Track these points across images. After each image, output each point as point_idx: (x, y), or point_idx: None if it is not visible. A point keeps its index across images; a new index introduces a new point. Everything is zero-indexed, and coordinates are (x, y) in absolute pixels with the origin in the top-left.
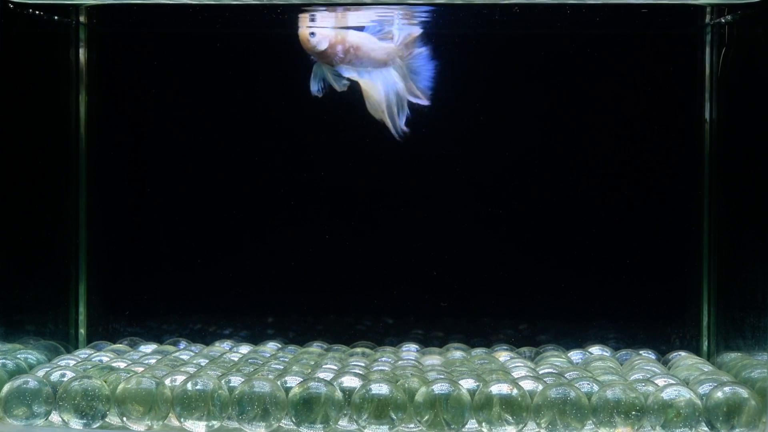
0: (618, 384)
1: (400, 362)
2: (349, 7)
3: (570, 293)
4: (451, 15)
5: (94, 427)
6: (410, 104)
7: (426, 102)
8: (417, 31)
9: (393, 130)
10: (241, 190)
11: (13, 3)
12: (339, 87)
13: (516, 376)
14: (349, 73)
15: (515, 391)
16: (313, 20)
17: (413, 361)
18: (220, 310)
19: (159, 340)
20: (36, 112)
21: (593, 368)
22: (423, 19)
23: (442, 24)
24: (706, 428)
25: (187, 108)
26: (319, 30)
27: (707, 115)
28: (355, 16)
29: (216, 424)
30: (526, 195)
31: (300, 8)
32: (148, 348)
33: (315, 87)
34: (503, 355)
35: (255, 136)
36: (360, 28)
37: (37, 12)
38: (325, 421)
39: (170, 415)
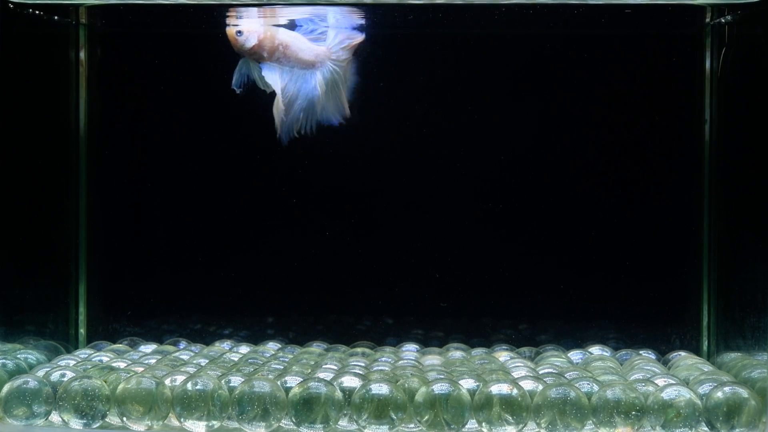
0: (618, 384)
1: (400, 362)
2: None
3: (570, 293)
4: (454, 14)
5: (94, 427)
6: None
7: (339, 120)
8: (358, 36)
9: (280, 134)
10: (241, 190)
11: (13, 3)
12: (262, 86)
13: (516, 376)
14: (272, 74)
15: (515, 391)
16: (240, 17)
17: (413, 361)
18: (220, 310)
19: (159, 340)
20: (36, 112)
21: (593, 368)
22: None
23: (447, 23)
24: (706, 428)
25: (187, 108)
26: (247, 27)
27: (707, 115)
28: (288, 13)
29: (216, 424)
30: (527, 195)
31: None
32: (148, 348)
33: (237, 82)
34: (503, 355)
35: (255, 135)
36: (292, 27)
37: (37, 12)
38: (325, 421)
39: (170, 415)
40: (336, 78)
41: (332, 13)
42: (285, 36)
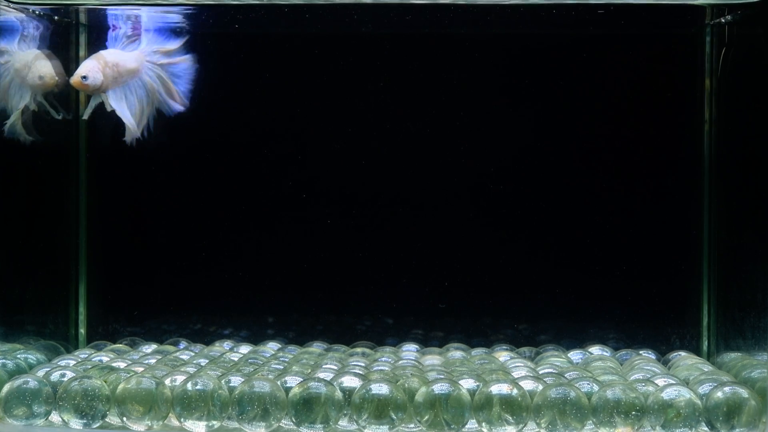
0: (618, 384)
1: (400, 362)
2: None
3: (570, 293)
4: (454, 14)
5: (94, 427)
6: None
7: (182, 108)
8: (171, 43)
9: (130, 134)
10: (241, 190)
11: (13, 3)
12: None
13: (516, 376)
14: (118, 94)
15: (515, 391)
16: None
17: (413, 361)
18: (220, 310)
19: (159, 340)
20: (36, 111)
21: (593, 368)
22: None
23: (447, 23)
24: (706, 428)
25: (187, 108)
26: (85, 69)
27: (707, 115)
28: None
29: (216, 424)
30: (527, 195)
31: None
32: (148, 348)
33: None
34: (503, 355)
35: (255, 135)
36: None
37: (37, 12)
38: (325, 421)
39: (170, 415)
40: (157, 73)
41: (145, 19)
42: (109, 56)
